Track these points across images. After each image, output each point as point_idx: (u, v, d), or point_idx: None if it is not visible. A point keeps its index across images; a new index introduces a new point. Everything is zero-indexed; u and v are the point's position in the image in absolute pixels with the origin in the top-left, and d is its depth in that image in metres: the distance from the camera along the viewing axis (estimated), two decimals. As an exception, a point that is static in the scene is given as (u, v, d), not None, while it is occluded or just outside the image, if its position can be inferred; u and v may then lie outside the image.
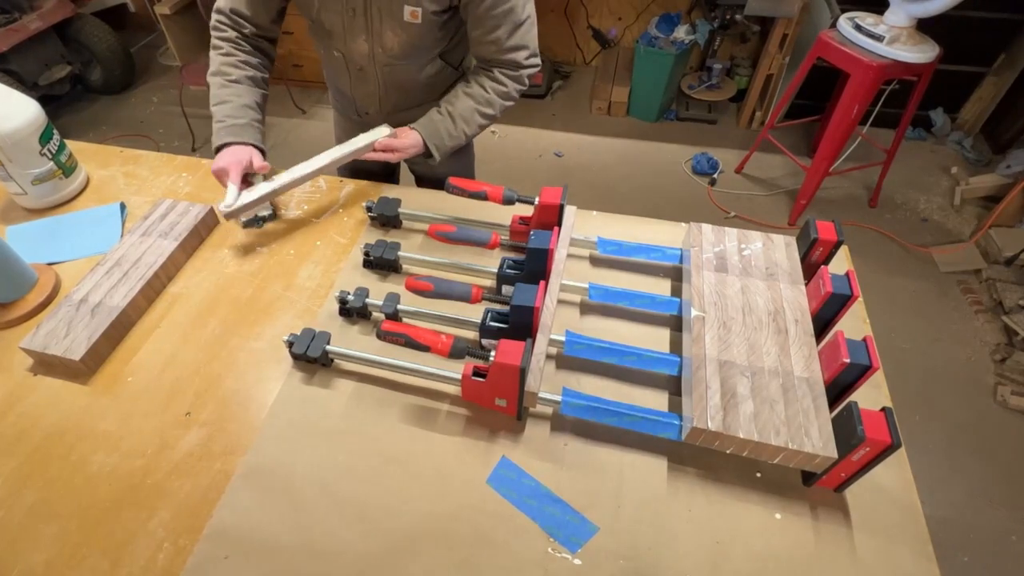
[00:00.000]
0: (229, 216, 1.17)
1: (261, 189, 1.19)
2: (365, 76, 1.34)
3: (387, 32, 1.22)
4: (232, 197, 1.16)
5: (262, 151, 1.26)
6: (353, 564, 0.79)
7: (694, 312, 0.95)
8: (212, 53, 1.28)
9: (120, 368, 1.03)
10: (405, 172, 1.74)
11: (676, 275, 1.16)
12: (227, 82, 1.26)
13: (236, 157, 1.19)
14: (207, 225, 1.28)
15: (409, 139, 1.28)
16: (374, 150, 1.27)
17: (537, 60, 1.30)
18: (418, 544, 0.81)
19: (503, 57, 1.25)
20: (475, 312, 1.02)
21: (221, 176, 1.19)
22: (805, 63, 2.66)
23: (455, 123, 1.29)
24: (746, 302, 0.96)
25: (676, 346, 1.04)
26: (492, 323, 0.97)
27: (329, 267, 1.19)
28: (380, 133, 1.29)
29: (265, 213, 1.28)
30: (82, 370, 1.01)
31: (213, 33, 1.28)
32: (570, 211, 1.18)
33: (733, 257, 1.04)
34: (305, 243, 1.25)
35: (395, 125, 1.32)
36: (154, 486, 0.88)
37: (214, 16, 1.28)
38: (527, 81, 1.31)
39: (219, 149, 1.22)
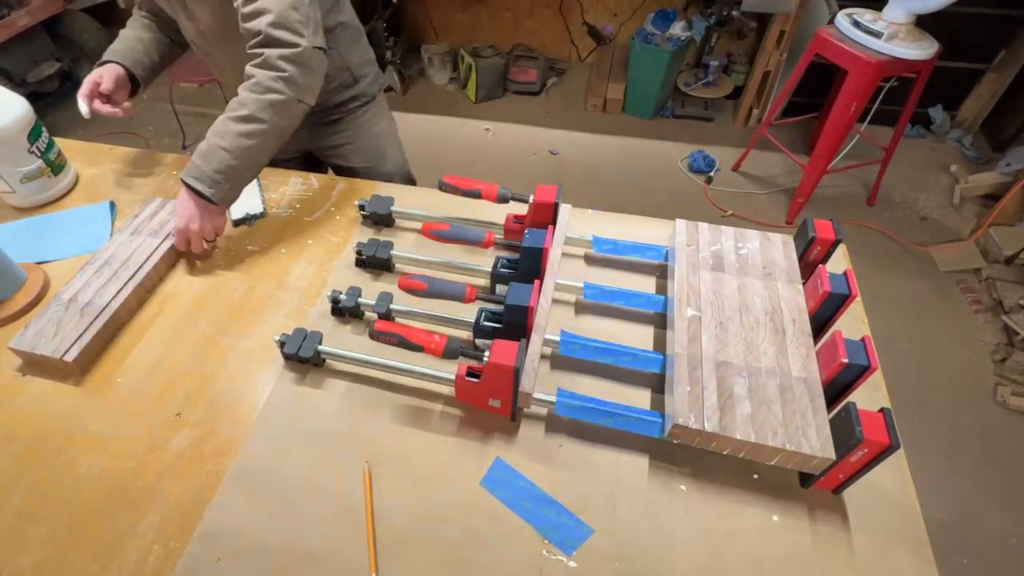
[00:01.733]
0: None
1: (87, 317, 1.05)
2: (215, 61, 1.37)
3: (195, 7, 1.23)
4: (84, 109, 1.28)
5: (132, 76, 1.36)
6: (346, 566, 0.78)
7: (690, 312, 0.94)
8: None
9: (110, 368, 1.02)
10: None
11: (666, 273, 1.15)
12: (123, 30, 1.41)
13: (95, 72, 1.31)
14: None
15: (180, 199, 1.13)
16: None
17: (286, 34, 1.08)
18: (411, 546, 0.80)
19: (247, 26, 1.09)
20: (469, 312, 1.02)
21: (82, 86, 1.29)
22: (803, 60, 2.66)
23: (207, 141, 1.10)
24: (743, 301, 0.96)
25: (660, 344, 1.03)
26: (486, 323, 0.96)
27: (321, 266, 1.18)
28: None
29: (256, 212, 1.27)
30: (71, 370, 1.00)
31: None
32: (565, 209, 1.17)
33: (730, 256, 1.03)
34: (297, 242, 1.24)
35: None
36: (144, 488, 0.87)
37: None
38: (284, 65, 1.09)
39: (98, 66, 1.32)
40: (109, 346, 1.05)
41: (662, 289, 1.12)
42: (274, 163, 1.51)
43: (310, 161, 1.68)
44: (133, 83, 1.37)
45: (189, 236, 1.13)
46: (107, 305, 1.05)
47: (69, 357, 0.98)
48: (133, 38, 1.38)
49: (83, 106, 1.28)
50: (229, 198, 1.14)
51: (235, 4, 1.10)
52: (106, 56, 1.35)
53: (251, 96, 1.09)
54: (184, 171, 1.11)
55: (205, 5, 1.21)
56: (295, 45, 1.09)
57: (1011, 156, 2.90)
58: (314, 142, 1.55)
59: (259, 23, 1.07)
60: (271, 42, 1.09)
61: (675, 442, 0.84)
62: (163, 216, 1.22)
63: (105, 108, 1.31)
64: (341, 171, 1.63)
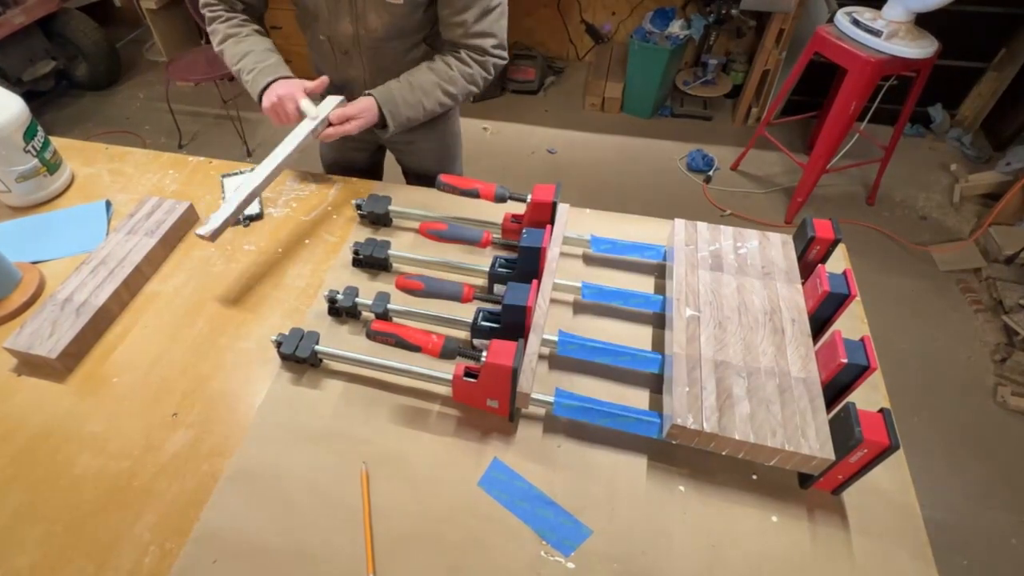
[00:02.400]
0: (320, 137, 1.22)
1: (235, 199, 1.09)
2: (351, 60, 1.33)
3: (370, 14, 1.21)
4: (311, 108, 1.21)
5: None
6: (343, 567, 0.78)
7: (689, 312, 0.94)
8: (213, 26, 1.31)
9: (106, 368, 1.01)
10: (390, 169, 1.72)
11: (665, 273, 1.15)
12: (241, 38, 1.30)
13: (288, 86, 1.22)
14: (192, 223, 1.27)
15: (361, 104, 1.23)
16: (330, 125, 1.22)
17: (504, 53, 1.29)
18: (409, 547, 0.80)
19: (469, 41, 1.24)
20: (466, 312, 1.01)
21: (284, 103, 1.20)
22: (802, 58, 2.65)
23: (412, 91, 1.25)
24: (742, 301, 0.95)
25: (659, 344, 1.03)
26: (484, 323, 0.96)
27: (318, 266, 1.18)
28: (331, 104, 1.24)
29: (252, 212, 1.26)
30: (67, 370, 1.00)
31: (207, 12, 1.32)
32: (563, 209, 1.16)
33: (729, 256, 1.03)
34: (294, 242, 1.23)
35: None
36: (140, 488, 0.86)
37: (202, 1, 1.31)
38: (492, 71, 1.29)
39: (262, 93, 1.24)
40: (105, 346, 1.04)
41: (661, 289, 1.12)
42: (344, 162, 1.56)
43: (375, 159, 1.68)
44: None
45: (351, 121, 1.22)
46: (103, 305, 1.05)
47: (65, 357, 0.97)
48: (262, 50, 1.29)
49: (312, 108, 1.22)
50: (394, 134, 1.30)
51: (456, 20, 1.21)
52: (273, 73, 1.25)
53: (463, 81, 1.27)
54: (382, 97, 1.24)
55: (385, 14, 1.21)
56: (505, 60, 1.31)
57: (1011, 155, 2.89)
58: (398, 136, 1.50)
59: (484, 42, 1.24)
60: (493, 56, 1.27)
61: (674, 442, 0.83)
62: (159, 216, 1.21)
63: (335, 130, 1.25)
64: (408, 171, 1.65)
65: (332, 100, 1.25)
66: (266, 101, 1.22)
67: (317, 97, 1.25)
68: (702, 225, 1.09)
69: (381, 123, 1.27)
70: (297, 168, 1.40)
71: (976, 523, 1.84)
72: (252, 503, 0.84)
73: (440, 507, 0.83)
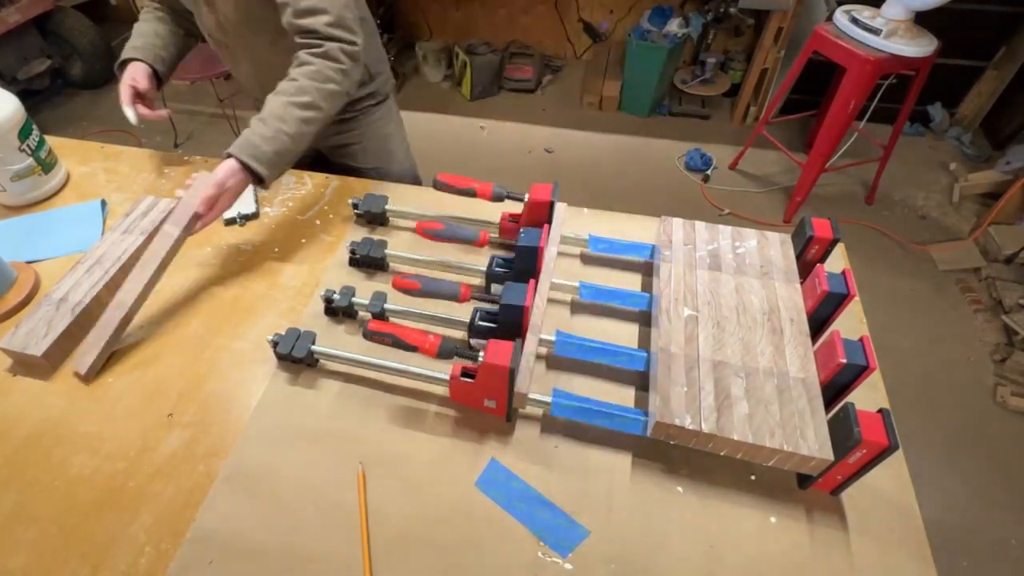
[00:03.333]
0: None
1: (105, 332, 1.00)
2: (232, 54, 1.33)
3: None
4: (132, 116, 1.29)
5: (156, 71, 1.36)
6: (339, 568, 0.77)
7: (687, 311, 0.93)
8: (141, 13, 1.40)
9: (102, 368, 1.01)
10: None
11: (652, 271, 1.14)
12: (143, 19, 1.39)
13: (128, 74, 1.31)
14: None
15: (220, 172, 1.07)
16: (197, 217, 1.07)
17: (344, 33, 1.13)
18: (405, 548, 0.79)
19: (300, 22, 1.10)
20: (464, 311, 1.01)
21: (120, 90, 1.30)
22: (801, 57, 2.65)
23: (266, 125, 1.09)
24: (740, 301, 0.95)
25: (644, 342, 1.03)
26: (481, 323, 0.95)
27: (314, 265, 1.17)
28: (191, 197, 1.06)
29: (248, 211, 1.26)
30: (62, 370, 0.99)
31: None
32: (560, 208, 1.16)
33: (727, 255, 1.03)
34: (290, 241, 1.23)
35: None
36: (136, 489, 0.86)
37: None
38: (343, 57, 1.13)
39: (120, 67, 1.32)
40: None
41: (650, 287, 1.11)
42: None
43: (318, 161, 1.66)
44: (156, 79, 1.38)
45: (213, 209, 1.08)
46: (98, 305, 1.04)
47: (38, 352, 0.97)
48: (150, 33, 1.36)
49: (130, 113, 1.29)
50: (273, 179, 1.13)
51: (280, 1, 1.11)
52: (127, 54, 1.33)
53: (312, 84, 1.11)
54: (237, 148, 1.08)
55: None
56: (354, 43, 1.14)
57: (1011, 154, 2.89)
58: (325, 140, 1.52)
59: (315, 22, 1.10)
60: (330, 38, 1.12)
61: (672, 442, 0.83)
62: (154, 215, 1.21)
63: (152, 113, 1.33)
64: (349, 172, 1.58)
65: (193, 189, 1.08)
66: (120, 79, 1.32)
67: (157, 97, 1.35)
68: (700, 224, 1.09)
69: (256, 178, 1.10)
70: (295, 168, 1.40)
71: (976, 524, 1.84)
72: (248, 504, 0.83)
73: (437, 508, 0.83)
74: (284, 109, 1.10)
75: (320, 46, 1.12)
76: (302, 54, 1.13)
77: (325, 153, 1.60)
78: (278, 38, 1.20)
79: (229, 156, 1.09)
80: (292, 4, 1.10)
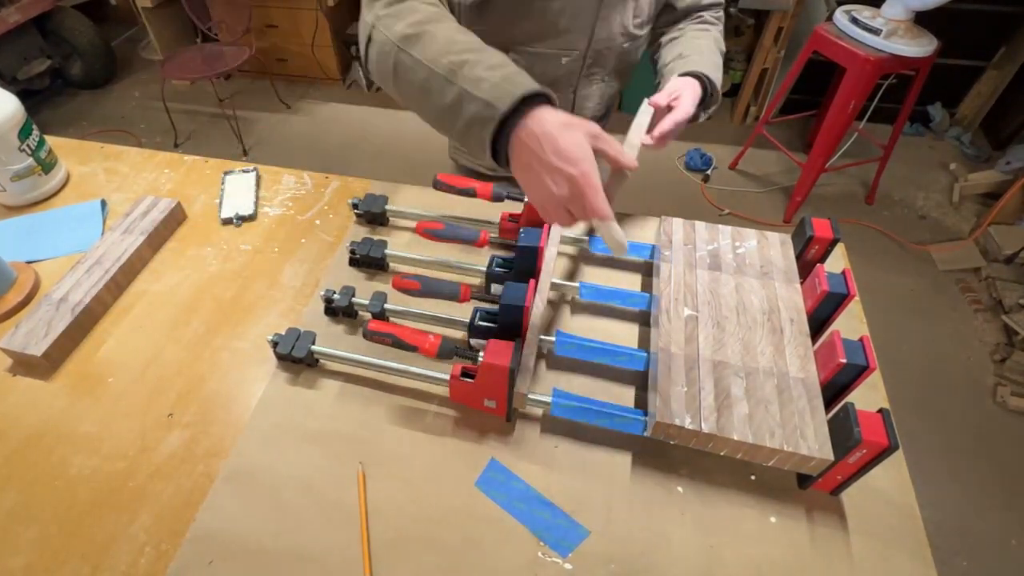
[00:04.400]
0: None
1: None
2: (594, 72, 1.14)
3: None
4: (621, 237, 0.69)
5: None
6: (339, 568, 0.77)
7: (687, 311, 0.93)
8: (413, 2, 0.81)
9: (100, 369, 1.01)
10: (388, 169, 1.71)
11: (652, 271, 1.14)
12: (463, 28, 0.81)
13: (585, 125, 0.67)
14: (180, 221, 1.27)
15: (688, 94, 1.00)
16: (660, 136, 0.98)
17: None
18: (405, 548, 0.79)
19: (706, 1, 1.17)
20: (463, 311, 1.01)
21: (589, 178, 0.64)
22: (801, 57, 2.65)
23: (704, 58, 1.08)
24: (740, 301, 0.95)
25: (644, 342, 1.03)
26: (481, 323, 0.95)
27: (314, 265, 1.17)
28: (647, 115, 1.00)
29: (245, 213, 1.26)
30: (62, 370, 0.99)
31: None
32: (562, 207, 1.16)
33: (727, 255, 1.03)
34: (290, 241, 1.23)
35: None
36: (136, 489, 0.86)
37: None
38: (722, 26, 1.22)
39: (520, 107, 0.66)
40: (100, 346, 1.04)
41: (658, 288, 1.12)
42: None
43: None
44: None
45: (680, 123, 1.02)
46: (98, 305, 1.04)
47: (60, 357, 0.97)
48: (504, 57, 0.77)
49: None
50: (710, 110, 1.18)
51: None
52: (531, 89, 0.67)
53: (722, 40, 1.18)
54: (712, 71, 1.09)
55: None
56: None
57: (1011, 154, 2.89)
58: None
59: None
60: (724, 8, 1.21)
61: (672, 442, 0.83)
62: (154, 215, 1.21)
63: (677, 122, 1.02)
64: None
65: (645, 112, 1.01)
66: (571, 144, 0.64)
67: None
68: (700, 224, 1.09)
69: (703, 101, 1.06)
70: (294, 167, 1.40)
71: (976, 524, 1.84)
72: (248, 504, 0.83)
73: (437, 508, 0.83)
74: (712, 50, 1.13)
75: (718, 15, 1.20)
76: (709, 15, 1.18)
77: None
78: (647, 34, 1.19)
79: (686, 75, 1.05)
80: None
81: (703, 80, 1.05)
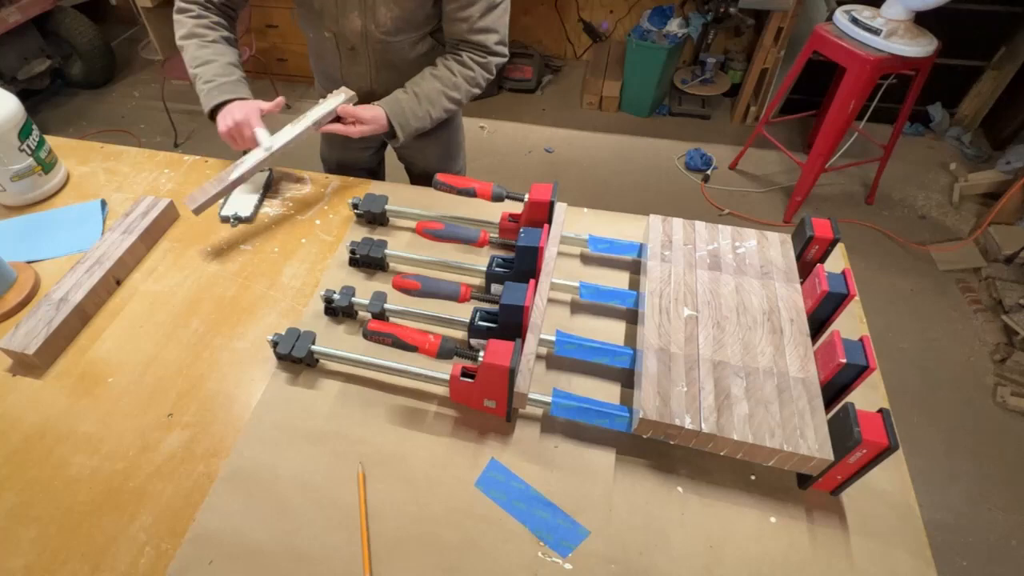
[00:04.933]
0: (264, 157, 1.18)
1: (225, 178, 1.16)
2: (356, 56, 1.32)
3: (380, 7, 1.20)
4: (266, 138, 1.19)
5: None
6: (339, 568, 0.77)
7: (687, 311, 0.93)
8: (179, 16, 1.27)
9: (100, 369, 1.01)
10: (392, 169, 1.72)
11: (640, 269, 1.14)
12: (205, 43, 1.26)
13: (245, 109, 1.19)
14: (174, 220, 1.27)
15: (372, 111, 1.25)
16: (337, 118, 1.25)
17: (505, 50, 1.30)
18: (405, 548, 0.79)
19: (473, 38, 1.24)
20: (463, 311, 1.01)
21: (241, 129, 1.18)
22: (801, 57, 2.65)
23: (420, 104, 1.27)
24: (740, 301, 0.95)
25: (630, 340, 1.03)
26: (481, 323, 0.95)
27: (314, 265, 1.17)
28: (339, 97, 1.26)
29: (243, 215, 1.26)
30: (62, 370, 0.99)
31: (177, 2, 1.28)
32: (560, 208, 1.16)
33: (727, 255, 1.02)
34: (290, 241, 1.23)
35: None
36: (136, 489, 0.86)
37: None
38: (494, 70, 1.31)
39: (216, 109, 1.21)
40: (99, 346, 1.04)
41: (644, 286, 1.12)
42: (348, 163, 1.57)
43: (379, 158, 1.71)
44: None
45: (358, 124, 1.25)
46: (98, 305, 1.04)
47: (59, 357, 0.97)
48: (224, 64, 1.25)
49: (265, 136, 1.22)
50: (400, 142, 1.32)
51: (461, 15, 1.21)
52: (224, 96, 1.22)
53: (465, 84, 1.28)
54: (391, 111, 1.26)
55: (395, 7, 1.21)
56: (505, 59, 1.32)
57: (1011, 154, 2.89)
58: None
59: (487, 39, 1.25)
60: (494, 53, 1.28)
61: (672, 442, 0.83)
62: (154, 215, 1.21)
63: (340, 128, 1.28)
64: (414, 173, 1.66)
65: (342, 93, 1.26)
66: (221, 124, 1.19)
67: (273, 118, 1.24)
68: (700, 224, 1.08)
69: (390, 134, 1.29)
70: (294, 167, 1.40)
71: (976, 524, 1.84)
72: (248, 504, 0.83)
73: (437, 508, 0.83)
74: (437, 96, 1.28)
75: (484, 58, 1.28)
76: (465, 56, 1.27)
77: (397, 153, 1.64)
78: (419, 42, 1.31)
79: (379, 107, 1.25)
80: (469, 22, 1.22)
81: (390, 121, 1.27)
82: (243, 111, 1.19)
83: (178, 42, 1.27)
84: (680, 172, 3.20)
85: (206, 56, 1.24)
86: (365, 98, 1.37)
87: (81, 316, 1.05)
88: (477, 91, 1.31)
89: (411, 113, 1.27)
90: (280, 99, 1.25)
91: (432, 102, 1.28)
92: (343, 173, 1.43)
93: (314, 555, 0.78)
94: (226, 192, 1.18)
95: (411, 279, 0.96)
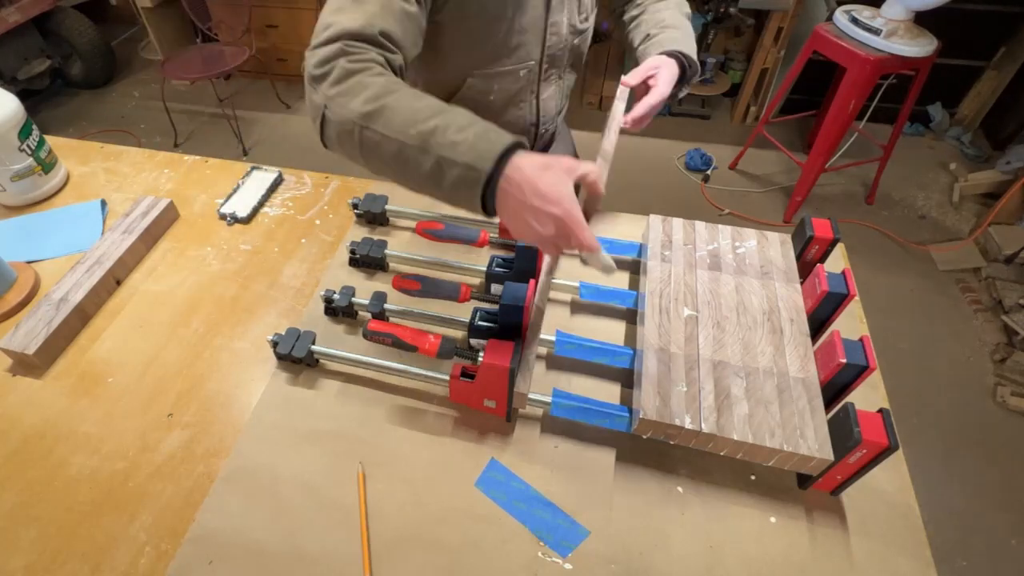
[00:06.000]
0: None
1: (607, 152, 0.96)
2: (551, 72, 1.15)
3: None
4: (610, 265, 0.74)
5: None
6: (339, 568, 0.77)
7: (687, 311, 0.93)
8: (360, 78, 0.76)
9: (100, 369, 1.01)
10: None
11: (640, 269, 1.14)
12: (418, 95, 0.75)
13: (561, 163, 0.68)
14: (174, 220, 1.27)
15: (664, 74, 1.01)
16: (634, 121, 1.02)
17: None
18: (405, 548, 0.79)
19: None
20: (463, 311, 1.01)
21: (572, 215, 0.66)
22: (801, 57, 2.65)
23: (683, 32, 1.09)
24: (740, 301, 0.95)
25: (631, 340, 1.03)
26: (481, 323, 0.95)
27: (314, 265, 1.17)
28: (620, 105, 1.03)
29: (242, 215, 1.26)
30: (62, 370, 0.99)
31: (344, 61, 0.77)
32: (561, 207, 1.15)
33: (727, 255, 1.03)
34: (289, 241, 1.23)
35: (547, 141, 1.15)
36: (135, 489, 0.86)
37: (340, 43, 0.78)
38: None
39: (502, 160, 0.67)
40: (99, 346, 1.04)
41: (644, 286, 1.12)
42: None
43: None
44: None
45: (652, 111, 1.04)
46: (98, 305, 1.04)
47: (60, 357, 0.96)
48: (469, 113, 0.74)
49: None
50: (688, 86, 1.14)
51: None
52: (507, 144, 0.67)
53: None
54: (677, 46, 1.07)
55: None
56: None
57: (1011, 154, 2.89)
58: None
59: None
60: None
61: (672, 442, 0.83)
62: (154, 215, 1.21)
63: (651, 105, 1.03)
64: None
65: (622, 94, 1.06)
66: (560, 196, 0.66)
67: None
68: (700, 224, 1.08)
69: (681, 76, 1.06)
70: (294, 167, 1.40)
71: (976, 524, 1.84)
72: (248, 504, 0.83)
73: (437, 508, 0.83)
74: (679, 24, 1.11)
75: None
76: None
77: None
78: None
79: (669, 55, 1.05)
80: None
81: (679, 58, 1.05)
82: (563, 161, 0.69)
83: (369, 108, 0.73)
84: (680, 172, 3.20)
85: (435, 105, 0.74)
86: (547, 126, 1.22)
87: (81, 316, 1.05)
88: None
89: (684, 39, 1.08)
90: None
91: (683, 25, 1.11)
92: None
93: (314, 555, 0.78)
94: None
95: (411, 279, 0.97)
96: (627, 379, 0.97)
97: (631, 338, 1.03)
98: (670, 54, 1.05)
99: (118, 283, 1.12)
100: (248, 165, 1.39)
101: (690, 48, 1.08)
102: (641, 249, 1.12)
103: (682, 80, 1.07)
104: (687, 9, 1.17)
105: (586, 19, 1.13)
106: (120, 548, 0.80)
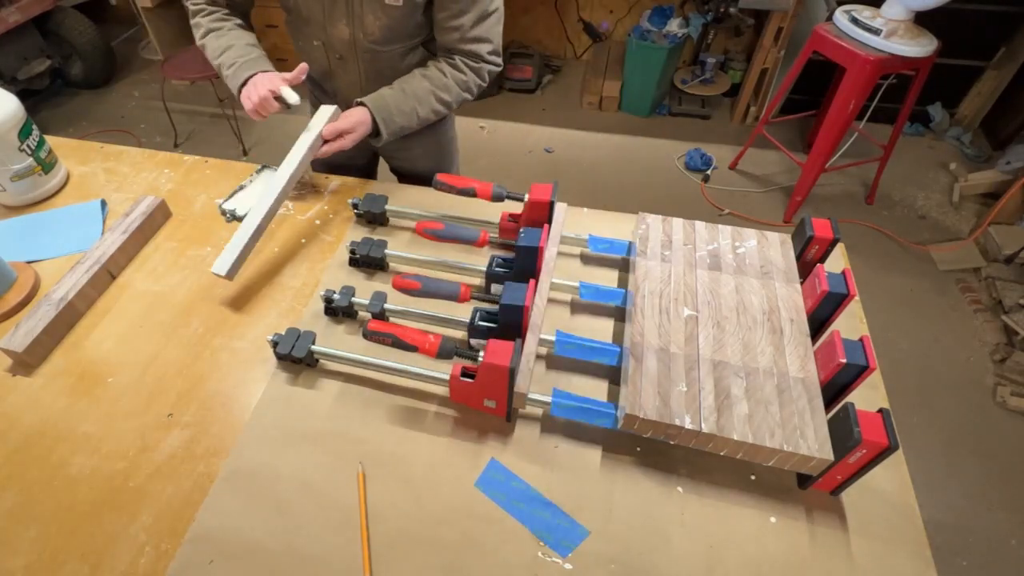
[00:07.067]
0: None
1: (243, 233, 1.09)
2: (346, 65, 1.31)
3: (368, 16, 1.19)
4: (292, 95, 1.18)
5: None
6: (339, 568, 0.77)
7: (687, 311, 0.93)
8: (196, 19, 1.29)
9: (100, 369, 1.01)
10: (384, 170, 1.71)
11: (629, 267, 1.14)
12: (223, 32, 1.28)
13: (268, 81, 1.18)
14: (167, 217, 1.28)
15: (355, 116, 1.22)
16: (324, 141, 1.21)
17: (499, 59, 1.29)
18: (405, 548, 0.79)
19: (465, 47, 1.24)
20: (463, 311, 1.01)
21: (267, 103, 1.17)
22: (801, 57, 2.65)
23: (406, 99, 1.25)
24: (740, 301, 0.95)
25: (619, 339, 1.03)
26: (481, 323, 0.95)
27: (314, 265, 1.17)
28: (324, 115, 1.21)
29: (242, 214, 1.26)
30: (62, 370, 0.99)
31: (189, 5, 1.30)
32: (560, 208, 1.16)
33: (727, 255, 1.03)
34: (290, 241, 1.23)
35: None
36: (135, 489, 0.86)
37: None
38: (487, 78, 1.29)
39: (242, 86, 1.22)
40: (99, 346, 1.04)
41: (633, 284, 1.12)
42: (339, 162, 1.52)
43: (372, 162, 1.68)
44: None
45: (345, 136, 1.21)
46: (98, 305, 1.04)
47: (59, 357, 0.97)
48: (243, 45, 1.26)
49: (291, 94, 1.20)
50: (382, 140, 1.28)
51: (452, 24, 1.20)
52: (248, 71, 1.22)
53: (456, 87, 1.27)
54: (375, 106, 1.23)
55: (383, 16, 1.19)
56: (498, 68, 1.30)
57: (1011, 154, 2.89)
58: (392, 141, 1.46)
59: (480, 48, 1.24)
60: (487, 62, 1.28)
61: (672, 442, 0.83)
62: (146, 212, 1.21)
63: (330, 147, 1.23)
64: (402, 174, 1.63)
65: (325, 111, 1.22)
66: (246, 101, 1.19)
67: (300, 88, 1.23)
68: (700, 224, 1.08)
69: (374, 132, 1.26)
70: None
71: (975, 524, 1.84)
72: (248, 504, 0.83)
73: (437, 508, 0.83)
74: (426, 95, 1.26)
75: (478, 63, 1.26)
76: (458, 60, 1.26)
77: (383, 155, 1.63)
78: (409, 52, 1.30)
79: (362, 105, 1.24)
80: (461, 31, 1.21)
81: (374, 117, 1.24)
82: (265, 82, 1.18)
83: (199, 43, 1.30)
84: (680, 172, 3.20)
85: (224, 44, 1.26)
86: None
87: (81, 316, 1.05)
88: (468, 96, 1.30)
89: (396, 109, 1.24)
90: (303, 65, 1.20)
91: (419, 100, 1.26)
92: (335, 174, 1.43)
93: (314, 555, 0.78)
94: (250, 248, 1.11)
95: (411, 279, 0.96)
96: (617, 376, 0.97)
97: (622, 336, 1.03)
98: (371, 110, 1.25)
99: (113, 277, 1.12)
100: (253, 166, 1.39)
101: (390, 117, 1.25)
102: (629, 247, 1.12)
103: (374, 134, 1.27)
104: (452, 96, 1.29)
105: (376, 42, 1.25)
106: (120, 548, 0.80)
